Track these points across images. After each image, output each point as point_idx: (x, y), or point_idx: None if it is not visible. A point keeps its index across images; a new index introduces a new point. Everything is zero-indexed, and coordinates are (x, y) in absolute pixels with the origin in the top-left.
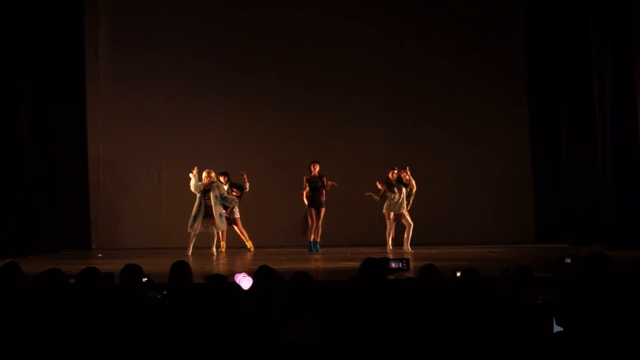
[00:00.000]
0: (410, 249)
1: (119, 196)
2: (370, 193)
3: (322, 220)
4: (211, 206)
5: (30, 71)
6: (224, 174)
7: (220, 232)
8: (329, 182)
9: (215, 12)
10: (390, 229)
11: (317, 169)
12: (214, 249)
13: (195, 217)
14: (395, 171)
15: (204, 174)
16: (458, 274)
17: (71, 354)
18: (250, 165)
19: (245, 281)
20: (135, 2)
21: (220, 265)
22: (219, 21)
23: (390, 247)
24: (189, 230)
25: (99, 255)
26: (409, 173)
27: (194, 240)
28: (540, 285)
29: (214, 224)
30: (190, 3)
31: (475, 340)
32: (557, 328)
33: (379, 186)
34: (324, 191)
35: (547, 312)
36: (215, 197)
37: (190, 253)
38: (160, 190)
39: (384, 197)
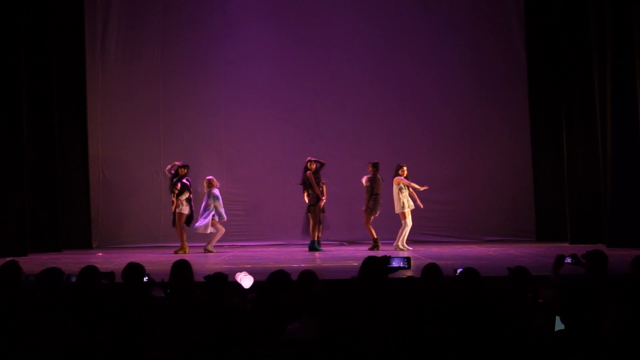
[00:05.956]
0: (404, 246)
1: (119, 195)
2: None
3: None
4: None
5: (30, 70)
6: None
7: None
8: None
9: (214, 11)
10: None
11: (314, 167)
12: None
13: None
14: (405, 168)
15: (205, 184)
16: (458, 272)
17: (72, 352)
18: (250, 163)
19: (246, 280)
20: (135, 1)
21: (220, 263)
22: (219, 19)
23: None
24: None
25: (99, 253)
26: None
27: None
28: (541, 284)
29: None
30: (189, 2)
31: (477, 338)
32: (558, 326)
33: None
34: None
35: (548, 311)
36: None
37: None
38: (161, 188)
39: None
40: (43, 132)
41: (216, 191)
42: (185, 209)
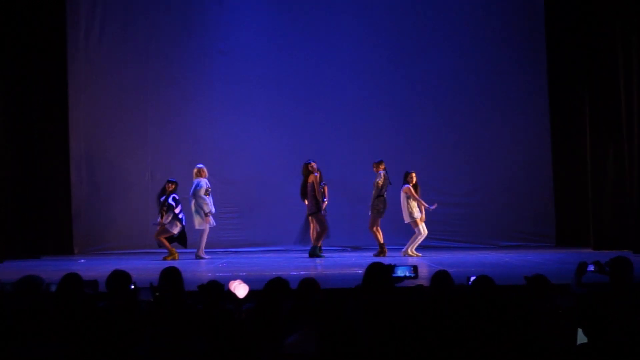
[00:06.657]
0: (413, 253)
1: (103, 197)
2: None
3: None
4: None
5: (9, 66)
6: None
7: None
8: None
9: (204, 5)
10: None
11: (315, 166)
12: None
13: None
14: (414, 175)
15: (196, 171)
16: (471, 280)
17: None
18: (242, 163)
19: (240, 289)
20: None
21: (213, 271)
22: (209, 14)
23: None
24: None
25: (81, 260)
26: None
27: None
28: (561, 293)
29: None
30: None
31: (491, 353)
32: (580, 339)
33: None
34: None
35: (569, 323)
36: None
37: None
38: (148, 190)
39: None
40: (21, 133)
41: (200, 180)
42: (175, 229)
